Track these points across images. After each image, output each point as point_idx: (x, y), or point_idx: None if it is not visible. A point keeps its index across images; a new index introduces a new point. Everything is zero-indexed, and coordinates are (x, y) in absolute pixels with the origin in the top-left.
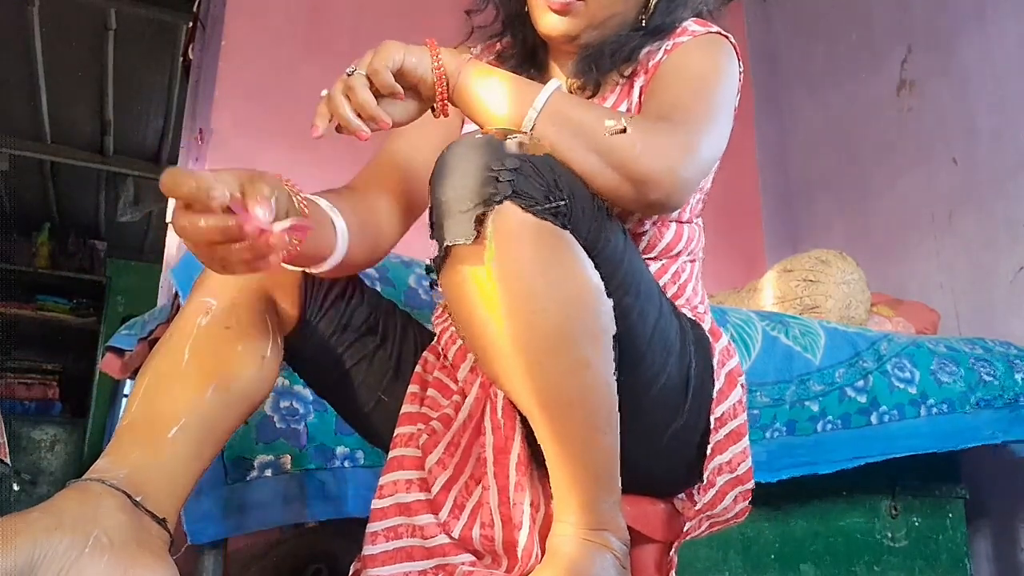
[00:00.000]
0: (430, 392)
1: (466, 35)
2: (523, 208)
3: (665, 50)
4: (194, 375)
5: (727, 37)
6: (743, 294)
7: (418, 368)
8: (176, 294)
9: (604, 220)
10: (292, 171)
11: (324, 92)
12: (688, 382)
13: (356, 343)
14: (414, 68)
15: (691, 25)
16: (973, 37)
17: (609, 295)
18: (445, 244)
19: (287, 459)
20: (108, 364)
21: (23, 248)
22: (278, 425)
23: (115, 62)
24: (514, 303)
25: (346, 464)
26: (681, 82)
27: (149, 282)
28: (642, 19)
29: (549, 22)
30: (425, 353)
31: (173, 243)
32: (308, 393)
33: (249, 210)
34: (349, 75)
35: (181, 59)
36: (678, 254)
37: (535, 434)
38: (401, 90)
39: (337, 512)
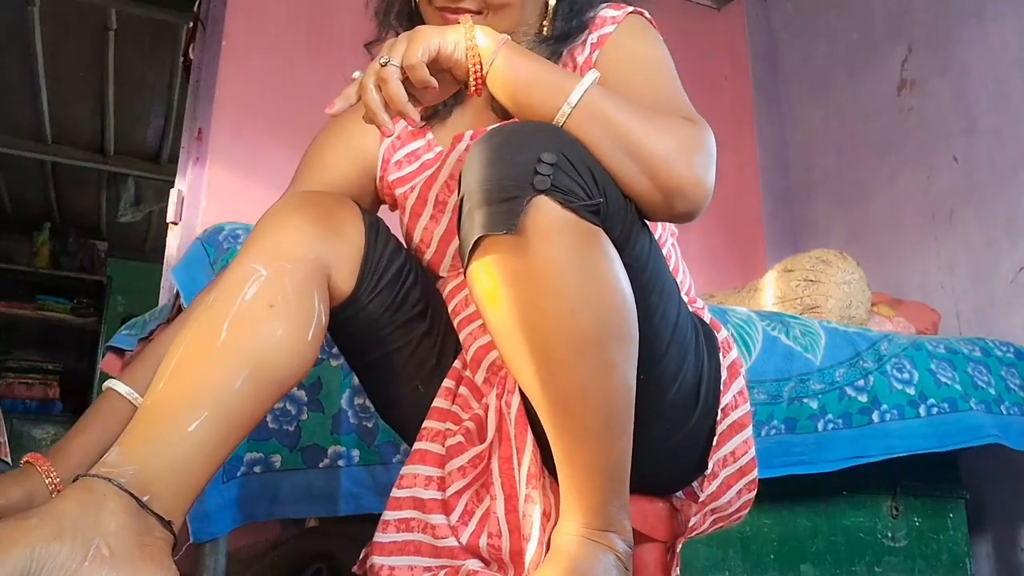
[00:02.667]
0: (462, 390)
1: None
2: (561, 204)
3: (592, 44)
4: (228, 358)
5: (642, 13)
6: (743, 294)
7: (457, 364)
8: (177, 294)
9: (633, 219)
10: (291, 171)
11: (356, 74)
12: (701, 380)
13: (404, 326)
14: (450, 54)
15: (607, 11)
16: (973, 36)
17: (635, 294)
18: (477, 234)
19: (277, 458)
20: (108, 364)
21: (23, 248)
22: (270, 425)
23: (115, 62)
24: (547, 299)
25: (340, 463)
26: (647, 78)
27: (149, 282)
28: (544, 27)
29: None
30: None
31: (173, 243)
32: (302, 394)
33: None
34: (383, 65)
35: (181, 59)
36: (659, 235)
37: (548, 433)
38: (436, 84)
39: (325, 511)
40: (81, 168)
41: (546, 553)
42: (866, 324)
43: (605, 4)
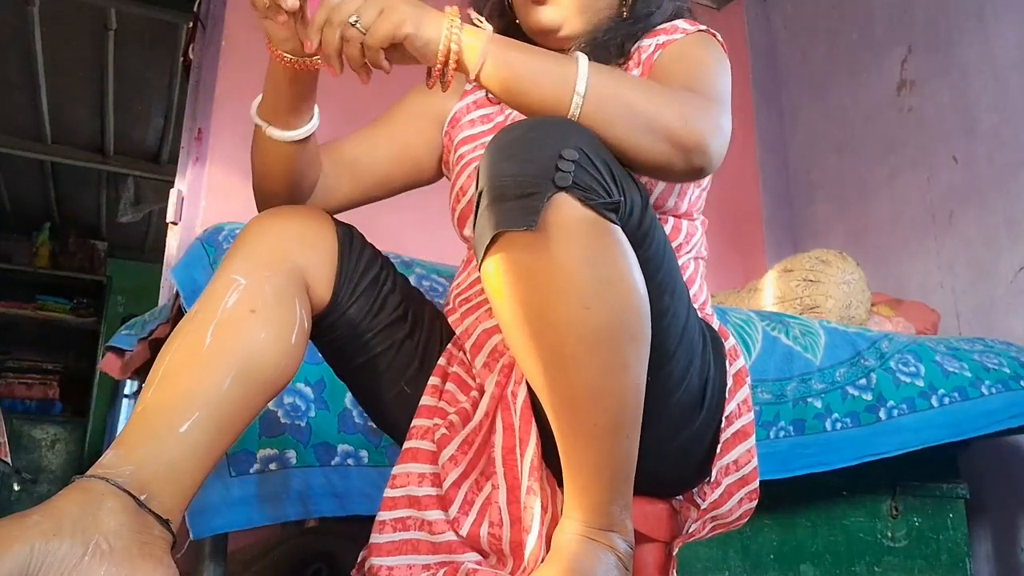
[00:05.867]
0: (448, 386)
1: None
2: (581, 201)
3: (658, 45)
4: (214, 362)
5: (715, 35)
6: (743, 294)
7: (441, 360)
8: (176, 294)
9: (650, 217)
10: None
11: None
12: (706, 384)
13: (385, 330)
14: (417, 48)
15: (681, 23)
16: (973, 37)
17: (649, 294)
18: (497, 229)
19: (292, 454)
20: (108, 364)
21: (23, 248)
22: (283, 420)
23: (115, 62)
24: (563, 297)
25: (349, 462)
26: (688, 68)
27: (149, 282)
28: (623, 10)
29: (533, 15)
30: (449, 346)
31: (173, 243)
32: (309, 391)
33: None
34: (352, 24)
35: (181, 59)
36: (678, 247)
37: (555, 430)
38: (388, 69)
39: (343, 509)
40: (81, 168)
41: (545, 549)
42: (866, 324)
43: (684, 19)
